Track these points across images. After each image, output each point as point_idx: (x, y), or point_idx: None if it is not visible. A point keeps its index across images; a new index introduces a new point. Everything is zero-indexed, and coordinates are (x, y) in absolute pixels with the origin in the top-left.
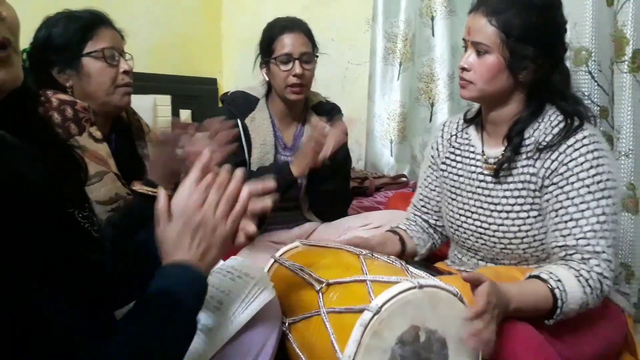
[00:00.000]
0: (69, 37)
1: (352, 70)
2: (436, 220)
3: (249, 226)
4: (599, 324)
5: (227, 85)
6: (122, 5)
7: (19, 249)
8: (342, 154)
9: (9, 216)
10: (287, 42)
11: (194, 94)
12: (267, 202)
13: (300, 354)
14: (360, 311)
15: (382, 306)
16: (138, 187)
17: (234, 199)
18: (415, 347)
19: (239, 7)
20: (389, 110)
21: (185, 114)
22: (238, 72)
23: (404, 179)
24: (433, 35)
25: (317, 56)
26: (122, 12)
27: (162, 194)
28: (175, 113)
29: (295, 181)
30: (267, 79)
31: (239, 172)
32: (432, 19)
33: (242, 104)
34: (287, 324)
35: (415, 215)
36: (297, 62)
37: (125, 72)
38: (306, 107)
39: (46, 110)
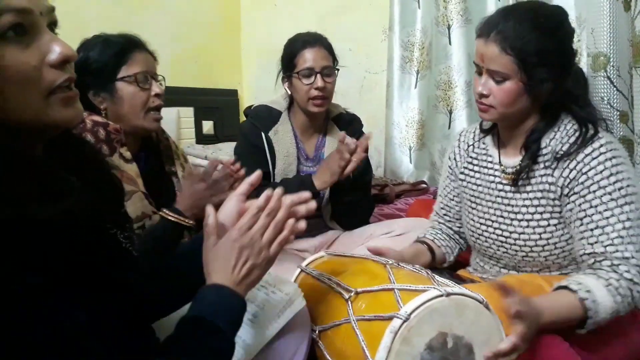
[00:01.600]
0: (104, 61)
1: (369, 79)
2: (459, 227)
3: (300, 225)
4: (627, 330)
5: (247, 96)
6: (144, 20)
7: (71, 276)
8: (362, 165)
9: (61, 251)
10: (309, 57)
11: (216, 105)
12: (311, 206)
13: (330, 359)
14: (390, 318)
15: (411, 313)
16: (166, 213)
17: (282, 225)
18: (443, 353)
19: (257, 19)
20: (407, 118)
21: (207, 125)
22: (257, 83)
23: (424, 185)
24: (450, 43)
25: (337, 69)
26: (145, 27)
27: (211, 211)
28: (198, 124)
29: (318, 193)
30: (289, 92)
31: (288, 200)
32: (449, 27)
33: (265, 117)
34: (317, 332)
35: (439, 223)
36: (318, 75)
37: (157, 95)
38: (327, 118)
39: (80, 131)
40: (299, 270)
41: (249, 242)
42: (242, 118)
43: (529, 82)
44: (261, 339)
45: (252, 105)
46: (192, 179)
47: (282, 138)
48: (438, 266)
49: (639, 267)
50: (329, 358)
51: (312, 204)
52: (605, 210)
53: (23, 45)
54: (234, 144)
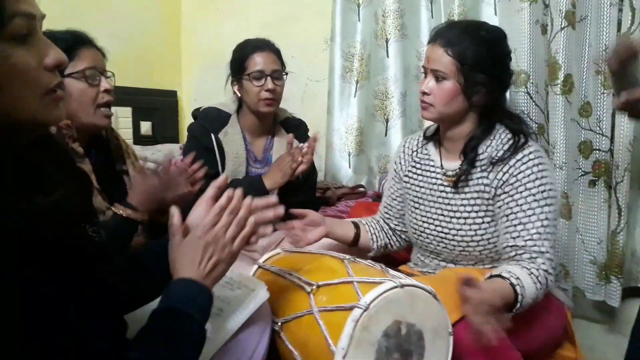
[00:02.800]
0: None
1: (311, 87)
2: (396, 224)
3: (266, 229)
4: (544, 316)
5: (186, 97)
6: (83, 18)
7: (57, 270)
8: (310, 167)
9: (46, 247)
10: (259, 60)
11: (154, 106)
12: (279, 211)
13: (293, 350)
14: (351, 309)
15: (370, 303)
16: (119, 209)
17: (244, 222)
18: (398, 340)
19: (200, 22)
20: (347, 125)
21: (146, 126)
22: (197, 85)
23: (362, 189)
24: (387, 56)
25: (286, 74)
26: (85, 26)
27: (176, 212)
28: (135, 125)
29: (267, 193)
30: (238, 95)
31: (248, 200)
32: (387, 41)
33: (215, 119)
34: (279, 324)
35: (379, 217)
36: (269, 78)
37: (106, 91)
38: (275, 122)
39: None
40: (256, 266)
41: (213, 238)
42: (182, 119)
43: (465, 84)
44: (227, 332)
45: (200, 107)
46: (145, 175)
47: (232, 140)
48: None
49: (551, 261)
50: (291, 348)
51: (280, 209)
52: (529, 209)
53: (26, 47)
54: (172, 145)
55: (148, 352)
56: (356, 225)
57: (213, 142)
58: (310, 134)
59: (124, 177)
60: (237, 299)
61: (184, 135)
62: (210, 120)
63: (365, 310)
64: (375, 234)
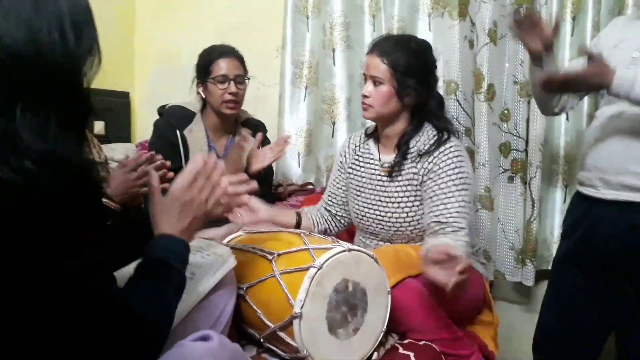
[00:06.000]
0: None
1: (263, 91)
2: (337, 211)
3: (243, 199)
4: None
5: (138, 98)
6: None
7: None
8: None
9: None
10: (224, 65)
11: (107, 107)
12: (252, 185)
13: (256, 309)
14: (307, 269)
15: (323, 264)
16: None
17: (216, 184)
18: (345, 295)
19: (153, 25)
20: (297, 127)
21: (99, 125)
22: (150, 87)
23: (311, 186)
24: (334, 64)
25: (248, 79)
26: None
27: (155, 175)
28: (89, 124)
29: None
30: (203, 96)
31: (221, 165)
32: (333, 51)
33: (180, 116)
34: (244, 288)
35: (321, 205)
36: (232, 82)
37: None
38: (236, 122)
39: None
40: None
41: (189, 199)
42: (134, 120)
43: (398, 88)
44: (199, 293)
45: (166, 105)
46: (125, 168)
47: (196, 137)
48: None
49: (468, 235)
50: (255, 307)
51: (254, 184)
52: (449, 192)
53: None
54: (126, 144)
55: (138, 295)
56: (298, 214)
57: (178, 138)
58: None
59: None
60: (207, 265)
61: (136, 135)
62: (176, 118)
63: (319, 269)
64: (315, 219)
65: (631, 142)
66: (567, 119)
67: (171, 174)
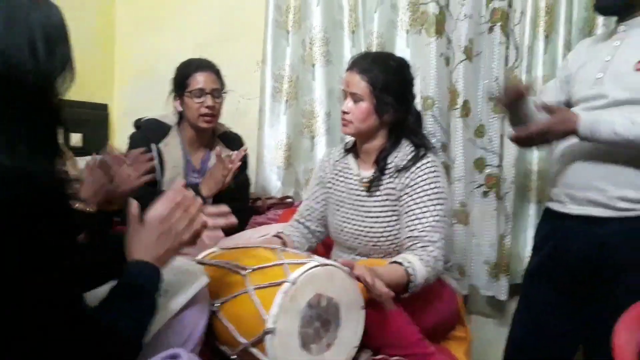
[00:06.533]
0: None
1: (243, 104)
2: (316, 227)
3: (219, 233)
4: (439, 301)
5: (117, 111)
6: None
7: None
8: (243, 177)
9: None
10: (200, 79)
11: (85, 118)
12: (232, 220)
13: (229, 325)
14: (281, 283)
15: (297, 278)
16: None
17: (194, 217)
18: (319, 310)
19: (133, 38)
20: (277, 141)
21: (76, 137)
22: (129, 100)
23: (290, 199)
24: (314, 79)
25: (225, 92)
26: None
27: (134, 204)
28: (66, 136)
29: (205, 200)
30: (180, 109)
31: (199, 200)
32: (313, 66)
33: (156, 129)
34: (217, 305)
35: (299, 222)
36: (208, 96)
37: None
38: (213, 135)
39: None
40: (194, 262)
41: (167, 229)
42: (112, 132)
43: (377, 104)
44: (170, 311)
45: (142, 118)
46: (95, 171)
47: (172, 150)
48: None
49: (441, 249)
50: (227, 324)
51: (233, 218)
52: (424, 206)
53: None
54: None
55: (111, 313)
56: (283, 242)
57: (154, 152)
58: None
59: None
60: (179, 283)
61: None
62: (151, 131)
63: (293, 284)
64: (298, 240)
65: (595, 159)
66: None
67: (148, 164)
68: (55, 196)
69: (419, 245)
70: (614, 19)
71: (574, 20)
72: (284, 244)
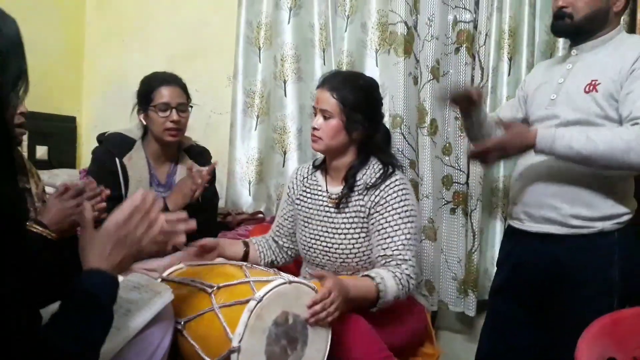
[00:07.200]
0: None
1: (214, 119)
2: (284, 242)
3: (180, 238)
4: (408, 317)
5: (85, 123)
6: None
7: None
8: (211, 192)
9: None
10: (166, 93)
11: (52, 131)
12: (191, 224)
13: (194, 344)
14: (247, 301)
15: (263, 296)
16: (31, 226)
17: (153, 222)
18: (285, 328)
19: (103, 51)
20: (248, 156)
21: (41, 150)
22: (98, 112)
23: (261, 215)
24: (285, 95)
25: (191, 106)
26: None
27: (88, 207)
28: (31, 149)
29: None
30: (144, 123)
31: (160, 203)
32: (285, 82)
33: (120, 144)
34: (182, 323)
35: (270, 236)
36: (174, 110)
37: (21, 113)
38: (179, 149)
39: None
40: (159, 279)
41: (124, 235)
42: (80, 145)
43: (347, 122)
44: (133, 329)
45: (105, 132)
46: (62, 196)
47: (136, 164)
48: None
49: (413, 267)
50: (193, 342)
51: (192, 223)
52: (395, 224)
53: None
54: (69, 170)
55: (62, 330)
56: (246, 244)
57: (117, 166)
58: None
59: (25, 195)
60: (143, 301)
61: (82, 160)
62: (115, 145)
63: (259, 302)
64: (263, 251)
65: (550, 178)
66: None
67: (103, 204)
68: (7, 214)
69: (392, 263)
70: (569, 42)
71: (536, 43)
72: (247, 252)
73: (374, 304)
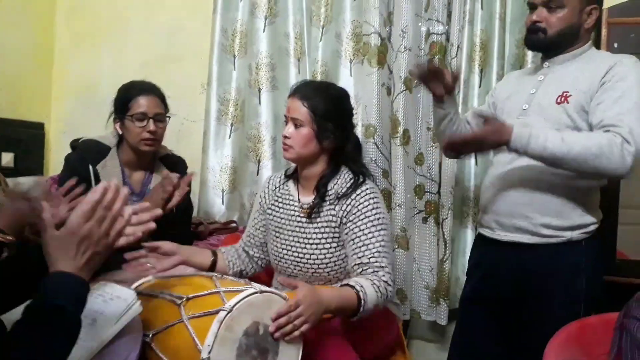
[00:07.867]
0: None
1: (187, 126)
2: (255, 252)
3: (148, 225)
4: (380, 327)
5: (54, 130)
6: None
7: None
8: (185, 202)
9: None
10: (143, 103)
11: (18, 137)
12: (157, 212)
13: (163, 357)
14: (217, 312)
15: (233, 306)
16: None
17: (117, 216)
18: (256, 338)
19: (73, 56)
20: (221, 164)
21: (7, 157)
22: (67, 118)
23: (234, 224)
24: (260, 103)
25: (168, 117)
26: None
27: (47, 207)
28: None
29: None
30: (120, 132)
31: (124, 192)
32: (259, 90)
33: (94, 151)
34: (150, 336)
35: (240, 246)
36: (151, 120)
37: None
38: (155, 158)
39: None
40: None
41: (88, 232)
42: (48, 152)
43: (318, 131)
44: (99, 342)
45: (79, 139)
46: (15, 198)
47: (110, 172)
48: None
49: (390, 274)
50: (161, 355)
51: (157, 211)
52: (369, 232)
53: None
54: (36, 177)
55: (23, 343)
56: (214, 253)
57: (90, 173)
58: (188, 171)
59: None
60: (110, 311)
61: (50, 167)
62: (89, 152)
63: (229, 312)
64: (232, 261)
65: (522, 187)
66: (477, 163)
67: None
68: None
69: (369, 271)
70: (540, 55)
71: (507, 56)
72: (215, 262)
73: (355, 313)
